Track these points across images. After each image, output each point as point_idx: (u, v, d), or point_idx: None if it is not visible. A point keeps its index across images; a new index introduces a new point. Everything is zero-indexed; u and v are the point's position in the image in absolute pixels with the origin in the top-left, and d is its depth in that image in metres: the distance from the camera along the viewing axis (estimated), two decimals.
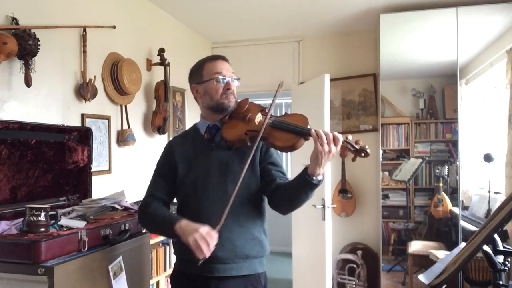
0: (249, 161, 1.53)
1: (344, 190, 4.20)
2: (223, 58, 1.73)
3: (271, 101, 1.62)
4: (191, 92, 1.77)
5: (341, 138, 1.47)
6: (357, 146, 1.49)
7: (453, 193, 3.44)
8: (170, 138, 3.34)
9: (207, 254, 1.44)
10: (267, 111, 1.64)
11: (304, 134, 1.51)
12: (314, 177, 1.48)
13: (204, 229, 1.45)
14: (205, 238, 1.44)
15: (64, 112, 2.46)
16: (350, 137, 1.51)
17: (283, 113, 1.71)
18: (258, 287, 1.68)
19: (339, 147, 1.47)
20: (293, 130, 1.53)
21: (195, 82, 1.72)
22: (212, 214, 1.63)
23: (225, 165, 1.65)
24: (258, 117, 1.63)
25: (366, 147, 1.49)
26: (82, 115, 2.60)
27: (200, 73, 1.70)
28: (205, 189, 1.65)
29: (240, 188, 1.51)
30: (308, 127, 1.54)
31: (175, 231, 1.52)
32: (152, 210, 1.66)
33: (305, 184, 1.50)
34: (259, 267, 1.69)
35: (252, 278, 1.66)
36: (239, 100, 1.71)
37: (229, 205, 1.48)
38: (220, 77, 1.66)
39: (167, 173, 1.73)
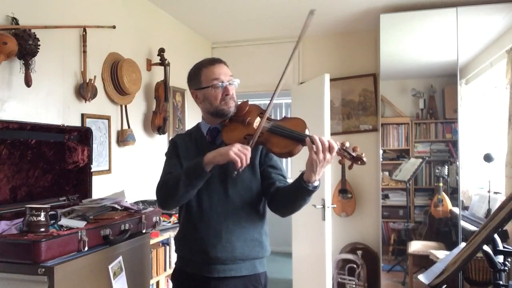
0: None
1: (344, 190, 4.20)
2: (220, 61, 1.71)
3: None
4: (191, 96, 1.77)
5: (336, 146, 1.46)
6: (353, 154, 1.48)
7: (453, 193, 3.44)
8: (170, 138, 3.34)
9: (245, 164, 1.46)
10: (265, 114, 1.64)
11: (302, 140, 1.51)
12: (310, 184, 1.48)
13: (238, 144, 1.48)
14: (243, 150, 1.46)
15: (64, 112, 2.46)
16: (347, 143, 1.49)
17: (283, 114, 1.71)
18: (258, 286, 1.69)
19: (334, 155, 1.46)
20: (291, 136, 1.53)
21: (194, 87, 1.72)
22: (213, 215, 1.64)
23: (226, 168, 1.65)
24: (257, 121, 1.63)
25: (363, 155, 1.48)
26: (82, 115, 2.60)
27: (198, 79, 1.69)
28: (207, 190, 1.65)
29: (241, 190, 1.52)
30: (306, 131, 1.53)
31: (206, 165, 1.51)
32: (172, 176, 1.62)
33: (301, 190, 1.50)
34: (260, 267, 1.70)
35: (252, 278, 1.67)
36: (239, 102, 1.71)
37: (258, 133, 1.53)
38: (219, 83, 1.65)
39: (178, 158, 1.72)
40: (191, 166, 1.57)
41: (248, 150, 1.47)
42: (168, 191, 1.60)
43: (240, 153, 1.45)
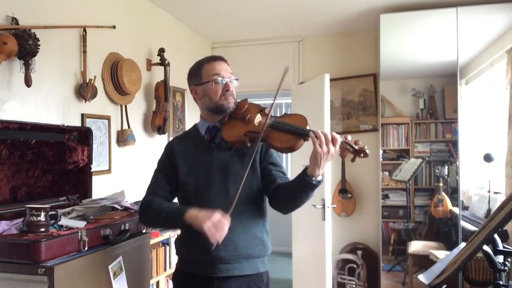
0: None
1: (344, 190, 4.20)
2: (221, 58, 1.72)
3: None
4: (190, 93, 1.77)
5: (339, 138, 1.47)
6: (356, 147, 1.48)
7: (453, 193, 3.44)
8: (170, 138, 3.34)
9: (221, 240, 1.46)
10: (266, 111, 1.64)
11: (303, 135, 1.51)
12: (314, 178, 1.48)
13: (217, 216, 1.47)
14: (219, 224, 1.45)
15: (64, 112, 2.46)
16: (349, 137, 1.50)
17: (283, 113, 1.71)
18: (260, 286, 1.69)
19: (337, 147, 1.46)
20: (292, 131, 1.53)
21: (194, 83, 1.72)
22: None
23: (226, 166, 1.65)
24: (257, 118, 1.63)
25: (365, 147, 1.49)
26: (82, 115, 2.60)
27: (198, 74, 1.70)
28: (207, 190, 1.65)
29: (242, 187, 1.52)
30: (307, 127, 1.54)
31: (185, 221, 1.52)
32: (156, 205, 1.65)
33: (305, 185, 1.50)
34: (262, 267, 1.70)
35: (254, 278, 1.67)
36: (238, 101, 1.71)
37: (239, 190, 1.50)
38: (219, 78, 1.65)
39: (168, 172, 1.72)
40: (172, 213, 1.61)
41: (225, 223, 1.46)
42: (148, 220, 1.72)
43: (214, 230, 1.44)
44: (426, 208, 3.54)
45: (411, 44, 3.60)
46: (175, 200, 1.78)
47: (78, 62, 2.56)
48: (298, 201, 1.58)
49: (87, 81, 2.57)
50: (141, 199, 3.08)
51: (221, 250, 1.61)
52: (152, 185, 1.74)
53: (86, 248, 1.69)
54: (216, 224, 1.45)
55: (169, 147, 1.78)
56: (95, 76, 2.63)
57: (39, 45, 2.11)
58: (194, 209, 1.53)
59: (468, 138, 3.53)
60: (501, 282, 1.34)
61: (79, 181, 2.31)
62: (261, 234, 1.68)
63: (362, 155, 1.49)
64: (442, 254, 2.97)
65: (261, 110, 1.67)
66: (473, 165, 3.58)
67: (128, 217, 2.01)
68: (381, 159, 3.65)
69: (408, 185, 3.57)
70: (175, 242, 1.78)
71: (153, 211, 1.65)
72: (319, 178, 1.49)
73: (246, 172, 1.52)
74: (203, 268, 1.64)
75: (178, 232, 1.81)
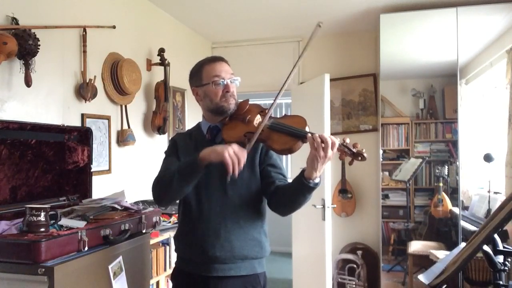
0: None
1: (344, 190, 4.20)
2: (221, 59, 1.72)
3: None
4: (192, 94, 1.78)
5: (337, 142, 1.45)
6: (354, 150, 1.47)
7: (453, 193, 3.44)
8: (171, 137, 3.34)
9: (237, 171, 1.42)
10: (266, 112, 1.64)
11: (302, 136, 1.50)
12: (311, 180, 1.48)
13: (235, 146, 1.44)
14: (238, 154, 1.42)
15: (64, 112, 2.46)
16: (348, 140, 1.49)
17: (283, 114, 1.70)
18: (257, 287, 1.68)
19: (335, 151, 1.45)
20: (291, 133, 1.52)
21: (195, 84, 1.72)
22: (211, 214, 1.64)
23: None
24: (257, 119, 1.63)
25: (363, 150, 1.48)
26: (82, 115, 2.60)
27: (199, 76, 1.70)
28: (206, 189, 1.65)
29: (240, 189, 1.51)
30: (307, 128, 1.53)
31: (202, 160, 1.47)
32: (167, 172, 1.61)
33: (302, 187, 1.50)
34: (259, 268, 1.70)
35: (251, 278, 1.67)
36: (239, 101, 1.71)
37: (259, 130, 1.51)
38: (220, 80, 1.65)
39: (177, 158, 1.72)
40: (186, 161, 1.57)
41: (243, 154, 1.43)
42: (162, 186, 1.60)
43: (234, 156, 1.41)
44: (426, 208, 3.54)
45: (411, 44, 3.60)
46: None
47: (78, 62, 2.56)
48: (296, 204, 1.58)
49: (87, 81, 2.57)
50: (141, 199, 3.09)
51: (217, 250, 1.61)
52: (162, 167, 1.70)
53: (86, 248, 1.69)
54: (237, 153, 1.42)
55: (173, 142, 1.79)
56: (95, 76, 2.63)
57: (39, 45, 2.11)
58: (206, 148, 1.49)
59: (468, 138, 3.53)
60: (501, 282, 1.34)
61: (79, 181, 2.31)
62: (259, 235, 1.68)
63: (360, 158, 1.48)
64: (442, 254, 2.97)
65: (261, 110, 1.66)
66: (473, 165, 3.58)
67: (128, 217, 2.01)
68: (381, 159, 3.65)
69: (408, 185, 3.57)
70: (174, 239, 1.78)
71: (166, 177, 1.59)
72: (316, 181, 1.49)
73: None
74: (200, 268, 1.65)
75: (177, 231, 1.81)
